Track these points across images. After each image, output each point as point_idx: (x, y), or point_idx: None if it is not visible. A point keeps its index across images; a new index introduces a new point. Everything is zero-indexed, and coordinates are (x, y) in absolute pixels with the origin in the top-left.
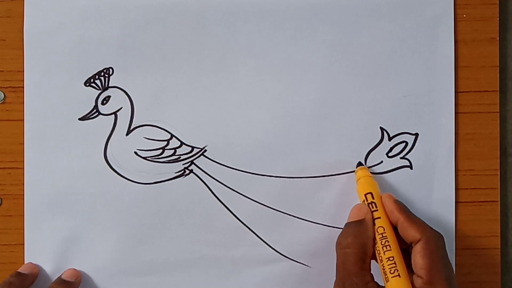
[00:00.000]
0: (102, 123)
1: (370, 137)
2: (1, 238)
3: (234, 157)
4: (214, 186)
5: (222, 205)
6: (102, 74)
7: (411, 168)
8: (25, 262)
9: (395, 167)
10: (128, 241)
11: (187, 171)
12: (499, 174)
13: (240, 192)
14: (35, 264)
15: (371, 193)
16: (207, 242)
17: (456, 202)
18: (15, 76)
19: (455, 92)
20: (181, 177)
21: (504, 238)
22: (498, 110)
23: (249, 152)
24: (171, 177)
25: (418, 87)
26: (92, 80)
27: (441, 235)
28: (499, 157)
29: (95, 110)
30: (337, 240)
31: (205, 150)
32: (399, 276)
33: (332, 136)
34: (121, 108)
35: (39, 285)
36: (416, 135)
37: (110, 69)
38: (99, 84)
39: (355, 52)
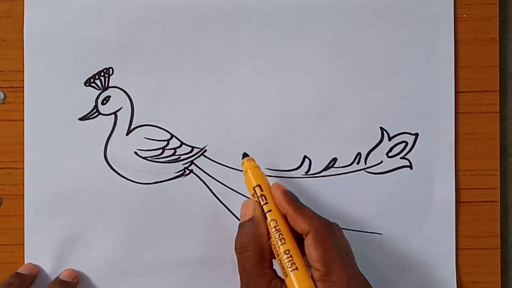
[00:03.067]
0: (102, 123)
1: (370, 137)
2: (1, 238)
3: (234, 157)
4: (214, 186)
5: (222, 205)
6: (102, 74)
7: (411, 168)
8: (25, 262)
9: (395, 167)
10: (128, 241)
11: (187, 171)
12: (499, 174)
13: (240, 192)
14: (34, 265)
15: (259, 185)
16: (207, 242)
17: (456, 202)
18: (15, 76)
19: (455, 92)
20: (181, 177)
21: (504, 238)
22: (498, 110)
23: (249, 152)
24: (171, 177)
25: (418, 87)
26: (92, 80)
27: (331, 222)
28: (499, 157)
29: (95, 110)
30: (234, 244)
31: (205, 150)
32: (297, 270)
33: (332, 136)
34: (121, 108)
35: (39, 285)
36: (416, 135)
37: (110, 69)
38: (99, 84)
39: (355, 52)
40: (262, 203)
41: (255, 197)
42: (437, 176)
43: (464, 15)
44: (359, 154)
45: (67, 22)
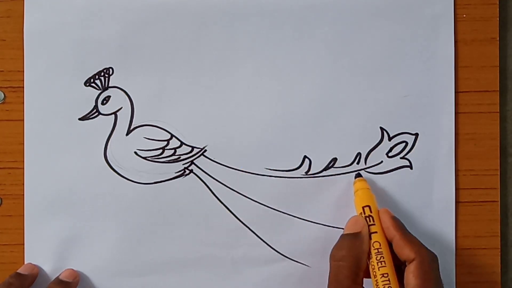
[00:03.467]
0: (102, 123)
1: (370, 137)
2: (1, 238)
3: (234, 157)
4: (214, 186)
5: (222, 205)
6: (102, 74)
7: (411, 168)
8: (25, 262)
9: (395, 167)
10: (128, 241)
11: (187, 171)
12: (499, 174)
13: (240, 192)
14: (34, 265)
15: (369, 206)
16: (207, 242)
17: (456, 202)
18: (15, 76)
19: (455, 92)
20: (181, 177)
21: (504, 238)
22: (498, 110)
23: (249, 152)
24: (171, 177)
25: (418, 87)
26: (92, 80)
27: (436, 256)
28: (499, 157)
29: (95, 110)
30: (331, 251)
31: (205, 150)
32: None
33: (332, 136)
34: (121, 108)
35: (39, 285)
36: (416, 135)
37: (110, 69)
38: (99, 84)
39: (355, 52)
40: (369, 223)
41: (362, 216)
42: (437, 176)
43: (464, 15)
44: (359, 154)
45: (67, 22)
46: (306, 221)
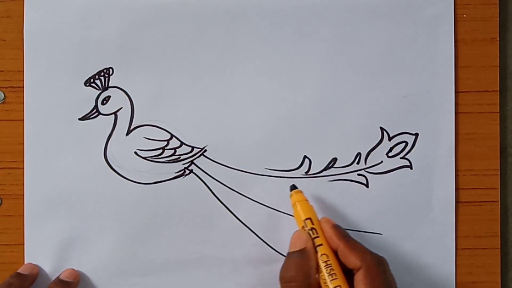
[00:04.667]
0: (102, 123)
1: (370, 137)
2: (1, 238)
3: (234, 157)
4: (214, 186)
5: (222, 205)
6: (102, 74)
7: (411, 168)
8: (25, 262)
9: (395, 167)
10: (128, 241)
11: (187, 171)
12: (499, 174)
13: (240, 192)
14: (34, 265)
15: (310, 218)
16: (207, 242)
17: (456, 202)
18: (15, 76)
19: (455, 92)
20: (181, 177)
21: (504, 238)
22: (498, 110)
23: (249, 152)
24: (171, 177)
25: (418, 87)
26: (92, 80)
27: (382, 258)
28: (499, 157)
29: (95, 110)
30: (280, 272)
31: (205, 150)
32: None
33: (332, 136)
34: (121, 108)
35: (39, 285)
36: (416, 135)
37: (110, 69)
38: (99, 84)
39: (355, 52)
40: (312, 236)
41: (305, 230)
42: (437, 176)
43: (464, 15)
44: (359, 154)
45: (67, 22)
46: None
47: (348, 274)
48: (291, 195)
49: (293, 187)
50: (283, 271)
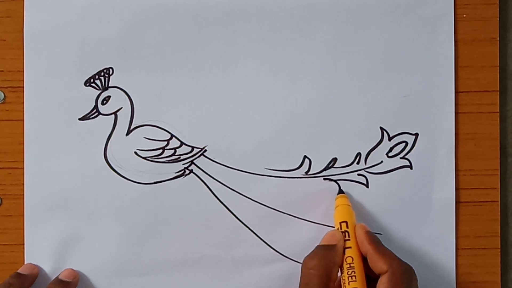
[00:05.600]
0: (102, 123)
1: (370, 137)
2: (1, 238)
3: (234, 157)
4: (214, 186)
5: (222, 205)
6: (102, 74)
7: (411, 168)
8: (25, 262)
9: (395, 167)
10: (128, 241)
11: (187, 171)
12: (499, 174)
13: (240, 192)
14: (34, 265)
15: (346, 222)
16: (207, 242)
17: (456, 202)
18: (15, 76)
19: (455, 92)
20: (181, 177)
21: (504, 238)
22: (498, 110)
23: (249, 152)
24: (171, 177)
25: (418, 87)
26: (92, 80)
27: (410, 267)
28: (499, 157)
29: (95, 110)
30: (304, 259)
31: (205, 150)
32: None
33: (332, 136)
34: (121, 108)
35: (39, 285)
36: (416, 135)
37: (110, 69)
38: (99, 84)
39: (355, 52)
40: (344, 238)
41: (340, 231)
42: (437, 176)
43: (464, 15)
44: (359, 154)
45: (67, 22)
46: (306, 221)
47: (375, 282)
48: (336, 198)
49: (340, 191)
50: (308, 257)
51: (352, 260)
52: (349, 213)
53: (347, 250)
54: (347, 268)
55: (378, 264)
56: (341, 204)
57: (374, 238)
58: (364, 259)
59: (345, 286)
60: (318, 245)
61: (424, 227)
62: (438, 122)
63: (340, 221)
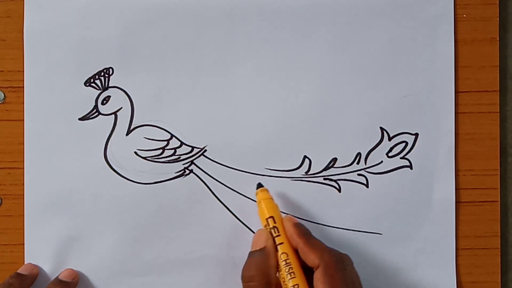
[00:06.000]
0: (102, 123)
1: (370, 137)
2: (1, 238)
3: (234, 157)
4: (214, 186)
5: (222, 205)
6: (102, 74)
7: (411, 168)
8: (25, 262)
9: (395, 167)
10: (128, 241)
11: (187, 171)
12: (499, 174)
13: (240, 192)
14: (34, 265)
15: (272, 217)
16: (207, 242)
17: (456, 202)
18: (15, 76)
19: (455, 92)
20: (181, 177)
21: (504, 238)
22: (498, 110)
23: (249, 152)
24: (171, 177)
25: (418, 87)
26: (92, 80)
27: (341, 255)
28: (499, 157)
29: (95, 110)
30: (241, 272)
31: (205, 150)
32: None
33: (332, 136)
34: (121, 108)
35: (39, 285)
36: (416, 135)
37: (110, 69)
38: (99, 84)
39: (355, 52)
40: (274, 235)
41: (267, 228)
42: (437, 176)
43: (464, 15)
44: (359, 154)
45: (67, 22)
46: (306, 221)
47: (312, 273)
48: (256, 193)
49: (259, 185)
50: (244, 270)
51: (287, 256)
52: (272, 206)
53: (280, 246)
54: (283, 265)
55: (309, 257)
56: (263, 198)
57: (303, 230)
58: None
59: (286, 284)
60: (249, 252)
61: (424, 227)
62: (438, 122)
63: (266, 217)
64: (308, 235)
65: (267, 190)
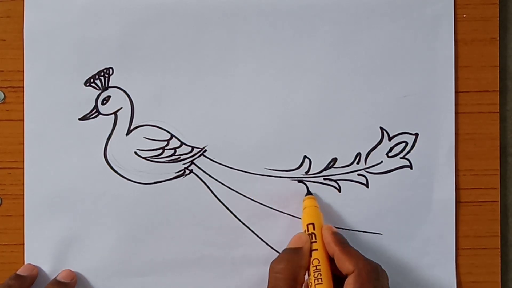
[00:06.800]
0: (102, 123)
1: (370, 137)
2: (1, 238)
3: (234, 157)
4: (214, 186)
5: (222, 205)
6: (102, 74)
7: (411, 168)
8: (25, 262)
9: (395, 167)
10: (128, 241)
11: (187, 171)
12: (499, 174)
13: (240, 192)
14: (34, 265)
15: (312, 223)
16: (207, 242)
17: (456, 202)
18: (15, 76)
19: (455, 92)
20: (181, 177)
21: (504, 238)
22: (498, 110)
23: (249, 152)
24: (171, 177)
25: (418, 87)
26: (92, 80)
27: (376, 266)
28: (499, 157)
29: (95, 110)
30: (271, 263)
31: (205, 150)
32: None
33: (332, 136)
34: (121, 108)
35: (39, 285)
36: (416, 135)
37: (110, 69)
38: (99, 84)
39: (355, 52)
40: (311, 240)
41: (307, 233)
42: (437, 176)
43: (464, 15)
44: (359, 154)
45: (67, 22)
46: None
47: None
48: (304, 200)
49: (308, 193)
50: (275, 261)
51: (319, 263)
52: (316, 214)
53: (313, 252)
54: (313, 270)
55: (344, 264)
56: (308, 205)
57: (340, 239)
58: (332, 261)
59: None
60: (285, 249)
61: (424, 227)
62: (438, 122)
63: (307, 223)
64: (345, 243)
65: (314, 199)
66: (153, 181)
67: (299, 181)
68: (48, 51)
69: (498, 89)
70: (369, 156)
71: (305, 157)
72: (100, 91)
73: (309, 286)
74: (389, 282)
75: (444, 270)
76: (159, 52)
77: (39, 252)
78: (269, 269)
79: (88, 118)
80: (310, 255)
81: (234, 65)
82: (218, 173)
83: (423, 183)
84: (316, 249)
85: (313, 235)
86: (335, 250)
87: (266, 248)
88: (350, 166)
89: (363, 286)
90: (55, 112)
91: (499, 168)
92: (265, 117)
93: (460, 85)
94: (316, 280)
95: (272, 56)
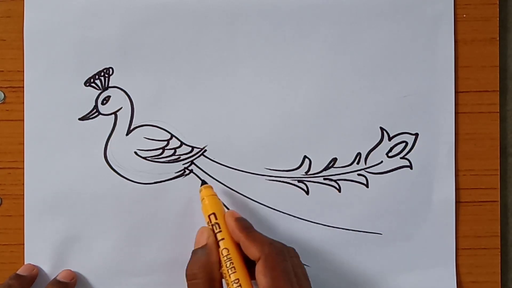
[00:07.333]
0: (102, 123)
1: (370, 137)
2: (1, 238)
3: (234, 157)
4: (214, 186)
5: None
6: (102, 74)
7: (411, 168)
8: (25, 262)
9: (395, 167)
10: (128, 241)
11: (187, 171)
12: (499, 174)
13: (240, 192)
14: (34, 265)
15: (214, 213)
16: None
17: (456, 202)
18: (15, 76)
19: (455, 92)
20: (181, 177)
21: (504, 238)
22: (498, 110)
23: (249, 152)
24: (171, 177)
25: (418, 87)
26: (92, 80)
27: (283, 248)
28: (499, 157)
29: (95, 110)
30: (185, 270)
31: (205, 150)
32: None
33: (332, 136)
34: (121, 108)
35: (39, 285)
36: (416, 135)
37: (110, 69)
38: (99, 84)
39: (355, 52)
40: (216, 231)
41: (209, 225)
42: (437, 176)
43: (464, 15)
44: (359, 154)
45: (67, 22)
46: (306, 221)
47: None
48: (200, 190)
49: (203, 183)
50: (188, 268)
51: (228, 252)
52: (216, 203)
53: (221, 242)
54: (225, 261)
55: (250, 250)
56: (206, 195)
57: (244, 224)
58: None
59: (228, 279)
60: (192, 250)
61: (424, 227)
62: (438, 122)
63: (208, 214)
64: (249, 228)
65: (211, 187)
66: (153, 181)
67: (299, 181)
68: (48, 51)
69: (498, 89)
70: (369, 156)
71: (305, 157)
72: (100, 91)
73: (224, 278)
74: (300, 260)
75: (444, 270)
76: (159, 52)
77: (39, 252)
78: (185, 277)
79: (88, 118)
80: (218, 246)
81: (234, 65)
82: (218, 173)
83: (423, 183)
84: (223, 238)
85: (217, 225)
86: (240, 237)
87: None
88: (350, 166)
89: (274, 271)
90: (55, 112)
91: (499, 168)
92: (265, 117)
93: (460, 85)
94: (229, 270)
95: (272, 56)
